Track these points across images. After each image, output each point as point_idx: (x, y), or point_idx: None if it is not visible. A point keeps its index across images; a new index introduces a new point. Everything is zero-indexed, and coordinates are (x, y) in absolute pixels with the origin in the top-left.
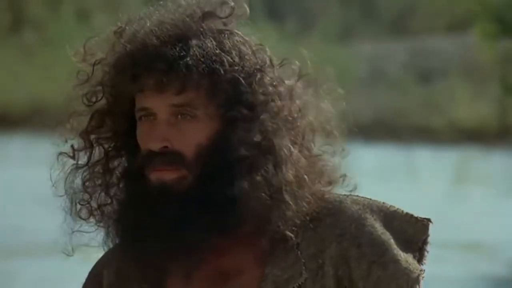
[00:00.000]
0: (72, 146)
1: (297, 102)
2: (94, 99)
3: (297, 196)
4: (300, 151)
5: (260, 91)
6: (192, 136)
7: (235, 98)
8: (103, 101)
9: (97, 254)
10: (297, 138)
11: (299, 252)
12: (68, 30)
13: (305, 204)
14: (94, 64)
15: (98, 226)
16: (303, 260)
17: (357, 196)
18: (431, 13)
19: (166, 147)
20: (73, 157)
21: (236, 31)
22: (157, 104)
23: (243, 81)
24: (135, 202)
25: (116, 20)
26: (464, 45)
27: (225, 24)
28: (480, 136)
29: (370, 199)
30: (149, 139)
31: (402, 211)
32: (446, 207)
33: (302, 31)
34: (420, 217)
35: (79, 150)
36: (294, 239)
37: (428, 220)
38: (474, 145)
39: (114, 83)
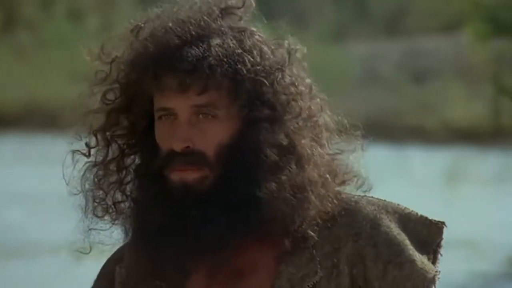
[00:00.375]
0: (86, 144)
1: (318, 100)
2: (112, 97)
3: (321, 195)
4: (320, 150)
5: (282, 90)
6: (214, 136)
7: (257, 98)
8: (120, 100)
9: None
10: (318, 137)
11: (314, 251)
12: (61, 31)
13: (328, 204)
14: (111, 62)
15: (114, 224)
16: (318, 259)
17: (372, 197)
18: (424, 13)
19: (188, 147)
20: (88, 155)
21: (254, 29)
22: (179, 104)
23: (264, 81)
24: (155, 202)
25: (110, 21)
26: (457, 45)
27: (240, 20)
28: (474, 136)
29: (385, 200)
30: (171, 139)
31: (417, 214)
32: (440, 207)
33: (295, 31)
34: (435, 220)
35: (93, 148)
36: (316, 238)
37: (443, 223)
38: (468, 145)
39: (133, 82)
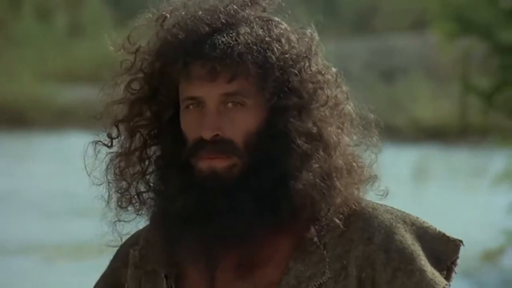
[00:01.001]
0: (108, 134)
1: (344, 89)
2: (137, 87)
3: (347, 183)
4: (346, 138)
5: (309, 79)
6: (242, 124)
7: (285, 86)
8: (144, 90)
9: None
10: (343, 125)
11: (325, 252)
12: (29, 30)
13: (354, 191)
14: (136, 52)
15: (138, 215)
16: (327, 260)
17: (392, 207)
18: (392, 12)
19: (217, 135)
20: (109, 146)
21: (278, 19)
22: (208, 93)
23: (293, 69)
24: (181, 191)
25: (78, 20)
26: (425, 44)
27: (264, 11)
28: (441, 134)
29: (404, 212)
30: (200, 128)
31: (435, 229)
32: (409, 204)
33: None
34: (452, 237)
35: (115, 138)
36: (342, 227)
37: (460, 241)
38: (436, 143)
39: (159, 71)
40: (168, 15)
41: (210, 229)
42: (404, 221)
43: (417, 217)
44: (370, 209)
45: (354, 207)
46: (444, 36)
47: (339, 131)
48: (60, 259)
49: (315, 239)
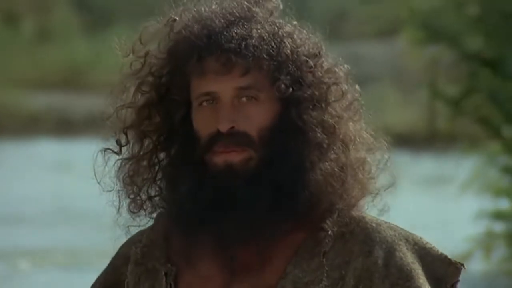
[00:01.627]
0: (117, 141)
1: (356, 87)
2: (147, 89)
3: (366, 175)
4: (363, 133)
5: (323, 73)
6: (257, 118)
7: (300, 78)
8: (153, 93)
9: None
10: (358, 119)
11: (324, 260)
12: None
13: (373, 182)
14: (145, 56)
15: (151, 218)
16: (326, 268)
17: (396, 225)
18: (362, 19)
19: (233, 127)
20: (119, 153)
21: (284, 22)
22: (222, 87)
23: (306, 64)
24: (198, 187)
25: (45, 25)
26: (393, 51)
27: (271, 14)
28: (410, 140)
29: (408, 231)
30: (216, 122)
31: (438, 250)
32: (376, 209)
33: None
34: (454, 260)
35: (124, 146)
36: (358, 219)
37: (462, 264)
38: (404, 150)
39: (171, 71)
40: (177, 18)
41: (226, 223)
42: (407, 240)
43: (420, 237)
44: (373, 224)
45: (358, 217)
46: (412, 44)
47: (355, 126)
48: (27, 265)
49: (330, 231)
